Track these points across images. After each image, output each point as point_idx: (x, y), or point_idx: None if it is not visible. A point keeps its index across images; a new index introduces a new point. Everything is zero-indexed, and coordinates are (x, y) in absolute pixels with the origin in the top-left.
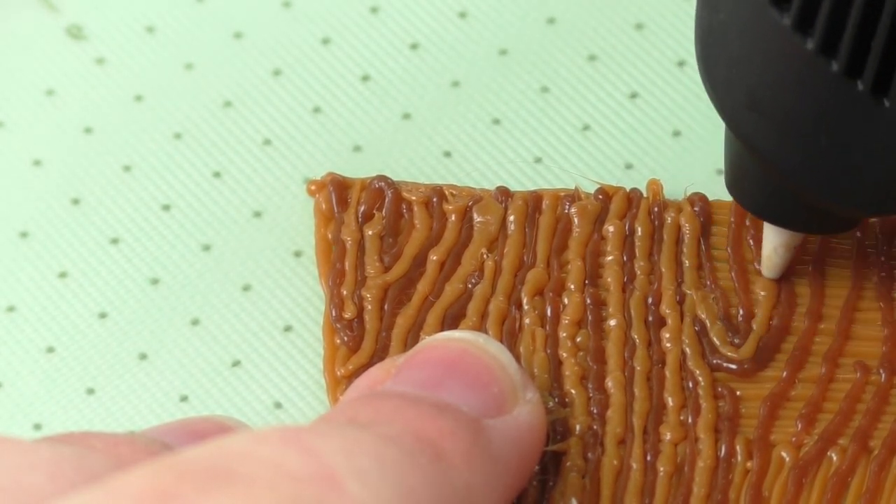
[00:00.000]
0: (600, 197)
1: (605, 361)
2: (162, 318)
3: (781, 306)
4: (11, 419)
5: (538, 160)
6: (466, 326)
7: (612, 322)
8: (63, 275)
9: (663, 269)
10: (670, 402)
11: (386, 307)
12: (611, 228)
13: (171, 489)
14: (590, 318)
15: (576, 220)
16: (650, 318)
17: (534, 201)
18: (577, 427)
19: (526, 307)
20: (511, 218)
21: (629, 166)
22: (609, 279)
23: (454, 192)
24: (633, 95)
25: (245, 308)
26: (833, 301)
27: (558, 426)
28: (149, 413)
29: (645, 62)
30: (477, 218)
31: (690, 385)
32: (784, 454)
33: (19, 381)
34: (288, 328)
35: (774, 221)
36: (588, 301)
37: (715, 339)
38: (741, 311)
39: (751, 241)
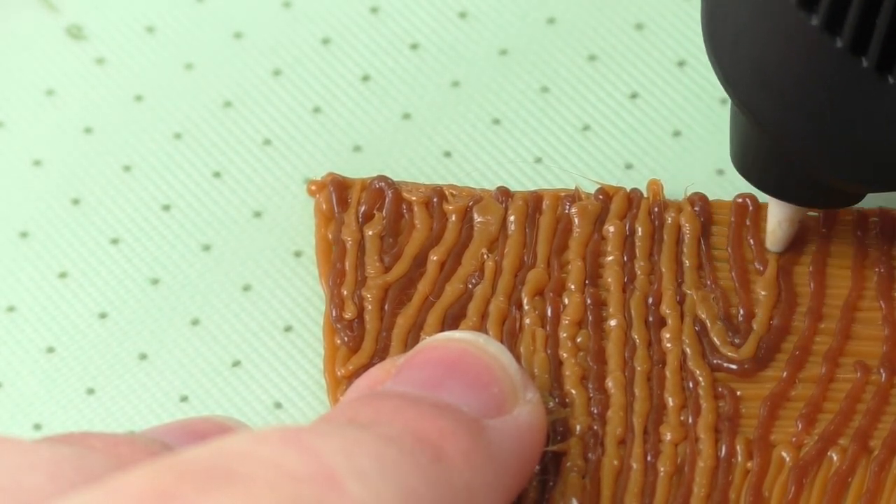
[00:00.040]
0: (600, 197)
1: (606, 361)
2: (162, 318)
3: (782, 306)
4: (11, 419)
5: (538, 160)
6: (467, 327)
7: (613, 322)
8: (63, 275)
9: (663, 270)
10: (670, 402)
11: (386, 307)
12: (611, 228)
13: (171, 489)
14: (590, 318)
15: (576, 220)
16: (650, 319)
17: (534, 201)
18: (578, 427)
19: (526, 307)
20: (511, 218)
21: (629, 166)
22: (609, 279)
23: (454, 193)
24: (634, 95)
25: (245, 308)
26: (833, 301)
27: (558, 426)
28: (149, 413)
29: (645, 62)
30: (477, 218)
31: (691, 385)
32: (784, 454)
33: (19, 381)
34: (288, 328)
35: (778, 196)
36: (588, 301)
37: (715, 339)
38: (741, 311)
39: (751, 241)
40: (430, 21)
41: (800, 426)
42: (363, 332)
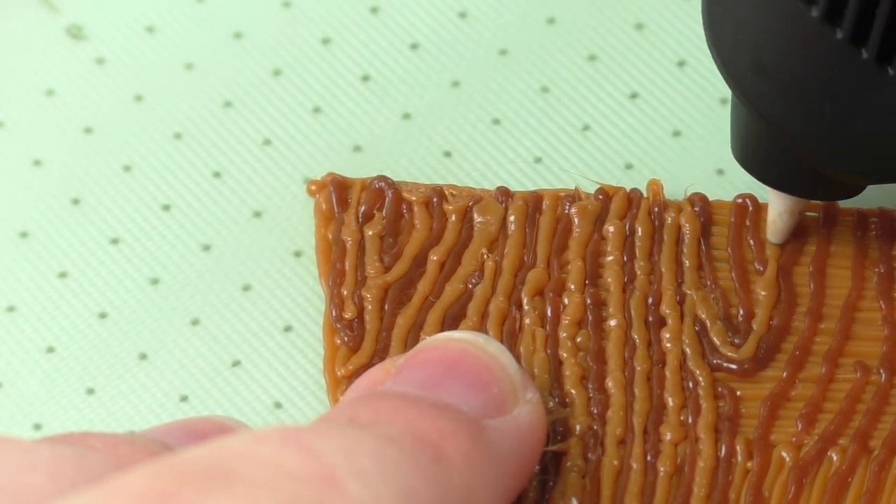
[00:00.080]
0: (600, 197)
1: (606, 361)
2: (162, 318)
3: (782, 306)
4: (11, 419)
5: (538, 160)
6: (467, 327)
7: (613, 322)
8: (63, 275)
9: (663, 270)
10: (670, 402)
11: (386, 307)
12: (611, 228)
13: (171, 489)
14: (590, 318)
15: (576, 220)
16: (650, 319)
17: (534, 201)
18: (578, 427)
19: (526, 307)
20: (511, 218)
21: (629, 166)
22: (609, 279)
23: (454, 193)
24: (634, 95)
25: (245, 308)
26: (833, 301)
27: (558, 426)
28: (149, 413)
29: (645, 62)
30: (477, 218)
31: (691, 385)
32: (784, 454)
33: (19, 381)
34: (288, 328)
35: (779, 187)
36: (588, 301)
37: (715, 339)
38: (741, 311)
39: (751, 241)
40: (430, 21)
41: (800, 426)
42: (363, 332)
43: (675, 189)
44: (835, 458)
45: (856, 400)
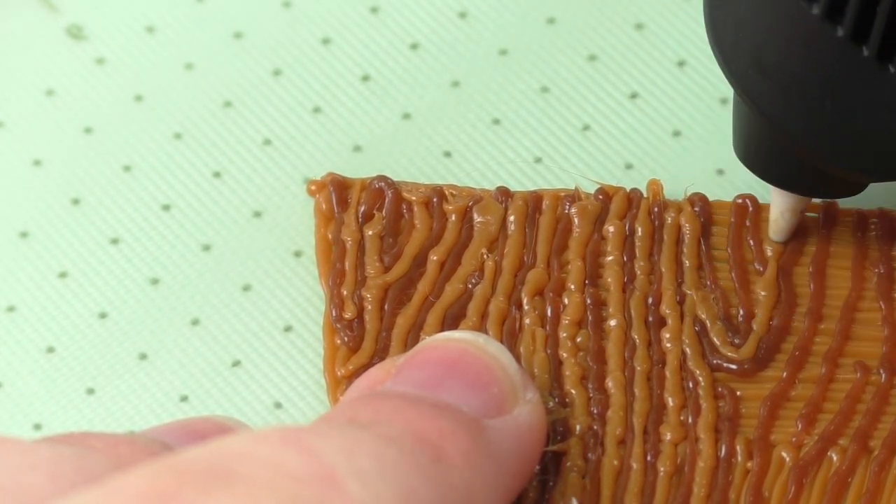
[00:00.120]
0: (600, 197)
1: (606, 361)
2: (162, 318)
3: (781, 306)
4: (11, 419)
5: (538, 160)
6: (466, 327)
7: (613, 322)
8: (63, 275)
9: (663, 270)
10: (670, 402)
11: (386, 307)
12: (611, 228)
13: (171, 489)
14: (590, 318)
15: (576, 220)
16: (650, 319)
17: (534, 201)
18: (578, 427)
19: (526, 307)
20: (511, 218)
21: (629, 166)
22: (609, 279)
23: (454, 193)
24: (634, 95)
25: (245, 308)
26: (833, 301)
27: (558, 426)
28: (149, 413)
29: (645, 62)
30: (477, 218)
31: (690, 385)
32: (784, 454)
33: (19, 381)
34: (288, 328)
35: (780, 185)
36: (588, 301)
37: (715, 339)
38: (741, 312)
39: (751, 242)
40: (430, 21)
41: (800, 426)
42: (363, 332)
43: (675, 189)
44: (835, 458)
45: (856, 400)
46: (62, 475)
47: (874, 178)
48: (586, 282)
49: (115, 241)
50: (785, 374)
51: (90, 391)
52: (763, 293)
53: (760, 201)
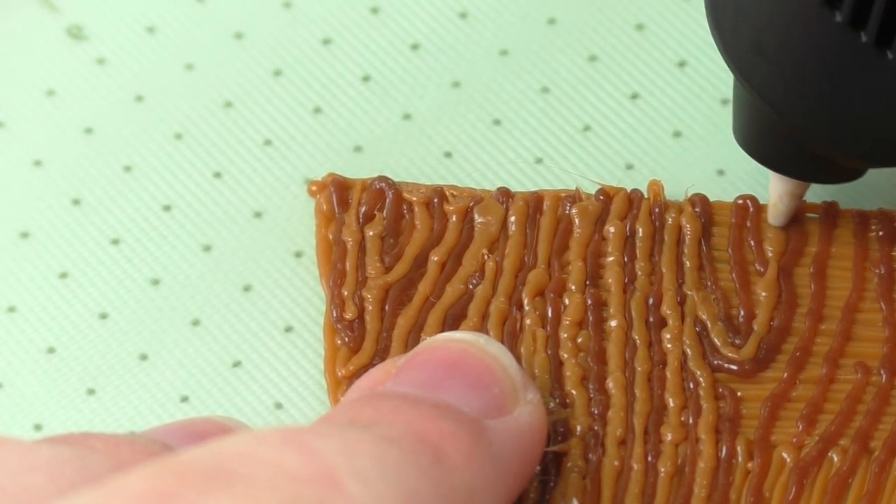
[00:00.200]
0: (601, 198)
1: (606, 362)
2: (162, 319)
3: (782, 307)
4: (11, 419)
5: (539, 161)
6: (467, 327)
7: (613, 323)
8: (63, 275)
9: (664, 270)
10: (671, 402)
11: (387, 308)
12: (612, 229)
13: (172, 490)
14: (591, 318)
15: (577, 220)
16: (651, 319)
17: (535, 202)
18: (578, 428)
19: (527, 308)
20: (512, 219)
21: (630, 167)
22: (610, 280)
23: (455, 193)
24: (634, 96)
25: (245, 308)
26: (834, 302)
27: (559, 427)
28: (149, 413)
29: (645, 62)
30: (478, 218)
31: (691, 386)
32: (785, 455)
33: (19, 381)
34: (289, 329)
35: (779, 170)
36: (589, 302)
37: (716, 339)
38: (742, 312)
39: (751, 242)
40: (431, 21)
41: (800, 427)
42: (364, 333)
43: (676, 189)
44: (835, 458)
45: (856, 401)
46: (62, 476)
47: (872, 163)
48: (587, 282)
49: (115, 242)
50: (786, 374)
51: (91, 391)
52: (764, 294)
53: (761, 202)
